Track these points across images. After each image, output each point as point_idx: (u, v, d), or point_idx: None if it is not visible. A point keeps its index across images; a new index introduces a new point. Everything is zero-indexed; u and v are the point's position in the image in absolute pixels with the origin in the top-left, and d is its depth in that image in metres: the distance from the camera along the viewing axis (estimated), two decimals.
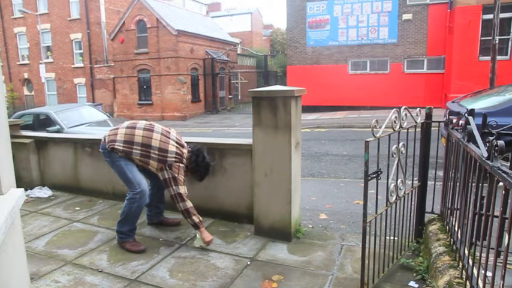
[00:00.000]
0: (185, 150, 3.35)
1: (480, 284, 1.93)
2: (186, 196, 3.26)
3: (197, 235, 3.35)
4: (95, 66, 22.90)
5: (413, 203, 3.01)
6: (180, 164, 3.26)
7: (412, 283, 2.62)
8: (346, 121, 13.69)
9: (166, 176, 3.21)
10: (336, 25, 17.22)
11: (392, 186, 2.54)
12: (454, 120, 3.10)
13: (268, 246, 3.33)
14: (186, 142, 3.51)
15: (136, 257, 3.17)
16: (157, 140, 3.23)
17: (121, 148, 3.21)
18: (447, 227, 2.87)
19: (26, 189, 4.93)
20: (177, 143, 3.32)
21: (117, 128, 3.34)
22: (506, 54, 13.88)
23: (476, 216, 2.02)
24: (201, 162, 3.39)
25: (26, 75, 25.29)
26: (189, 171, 3.42)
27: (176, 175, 3.21)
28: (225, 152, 3.83)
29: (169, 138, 3.30)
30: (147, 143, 3.21)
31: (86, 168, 4.92)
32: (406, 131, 2.65)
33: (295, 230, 3.50)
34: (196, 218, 3.29)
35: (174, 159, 3.22)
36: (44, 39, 23.21)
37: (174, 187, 3.20)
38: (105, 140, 3.32)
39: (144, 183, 3.29)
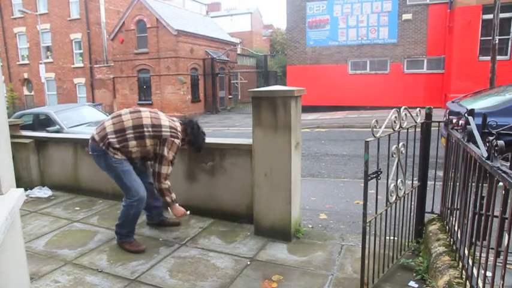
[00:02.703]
0: (178, 124, 3.29)
1: (480, 284, 1.93)
2: (166, 177, 3.19)
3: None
4: (95, 66, 22.91)
5: (413, 203, 3.01)
6: (175, 140, 3.17)
7: (412, 283, 2.62)
8: (346, 121, 13.69)
9: (158, 152, 3.13)
10: (335, 25, 17.22)
11: (392, 186, 2.54)
12: (454, 120, 3.10)
13: (268, 246, 3.33)
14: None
15: (136, 257, 3.17)
16: (147, 118, 3.14)
17: (115, 140, 3.06)
18: (447, 227, 2.87)
19: (26, 189, 4.93)
20: (171, 119, 3.28)
21: (102, 124, 3.21)
22: (506, 54, 13.88)
23: (476, 216, 2.02)
24: (197, 132, 3.34)
25: (25, 75, 25.29)
26: (187, 144, 3.37)
27: (166, 153, 3.11)
28: (225, 152, 3.83)
29: (158, 114, 3.25)
30: (138, 124, 3.11)
31: (86, 168, 4.91)
32: (406, 131, 2.65)
33: (295, 230, 3.50)
34: (168, 199, 3.27)
35: (169, 134, 3.14)
36: (44, 39, 23.22)
37: (157, 164, 3.14)
38: (95, 140, 3.15)
39: (143, 189, 3.23)
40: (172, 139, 3.14)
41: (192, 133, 3.32)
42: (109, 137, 3.08)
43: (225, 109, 23.66)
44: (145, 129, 3.10)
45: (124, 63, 21.30)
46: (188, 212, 3.49)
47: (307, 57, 17.99)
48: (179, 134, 3.23)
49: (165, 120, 3.20)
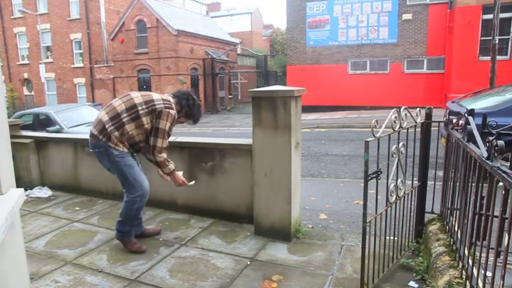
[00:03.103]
0: (170, 98, 3.21)
1: (480, 284, 1.93)
2: (161, 150, 3.10)
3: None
4: (95, 66, 22.91)
5: (413, 203, 3.01)
6: (170, 111, 3.07)
7: (412, 283, 2.62)
8: (346, 121, 13.69)
9: (154, 125, 3.05)
10: (335, 25, 17.22)
11: (392, 186, 2.54)
12: (454, 120, 3.10)
13: (268, 246, 3.33)
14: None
15: (136, 257, 3.17)
16: (138, 97, 3.09)
17: (112, 127, 2.99)
18: (447, 227, 2.87)
19: (26, 189, 4.93)
20: (159, 94, 3.21)
21: (97, 118, 3.15)
22: (506, 54, 13.88)
23: (476, 216, 2.02)
24: (193, 103, 3.26)
25: (25, 75, 25.30)
26: (183, 117, 3.28)
27: (162, 125, 3.03)
28: (225, 152, 3.83)
29: (149, 93, 3.19)
30: (130, 105, 3.04)
31: (86, 168, 4.92)
32: (406, 131, 2.65)
33: (295, 230, 3.50)
34: (166, 170, 3.19)
35: (163, 105, 3.05)
36: (44, 39, 23.23)
37: (153, 137, 3.05)
38: (94, 135, 3.06)
39: (146, 183, 3.19)
40: (168, 110, 3.05)
41: (187, 104, 3.22)
42: (107, 126, 3.01)
43: (225, 109, 23.67)
44: (139, 107, 3.03)
45: (124, 63, 21.31)
46: (193, 182, 3.43)
47: (307, 57, 17.99)
48: (173, 105, 3.14)
49: (156, 95, 3.15)
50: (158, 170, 3.32)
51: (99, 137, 3.03)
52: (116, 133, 3.01)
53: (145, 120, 3.05)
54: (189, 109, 3.25)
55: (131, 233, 3.33)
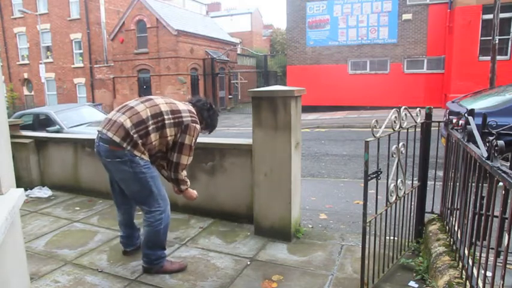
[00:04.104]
0: (192, 107, 2.90)
1: (480, 284, 1.93)
2: (185, 167, 2.84)
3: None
4: (95, 66, 22.91)
5: (413, 203, 3.01)
6: (196, 126, 2.78)
7: (412, 283, 2.62)
8: (346, 121, 13.69)
9: (178, 140, 2.73)
10: (335, 25, 17.22)
11: (392, 186, 2.54)
12: (454, 120, 3.10)
13: (268, 246, 3.33)
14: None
15: (136, 257, 3.16)
16: (163, 104, 2.73)
17: (137, 135, 2.58)
18: (447, 227, 2.87)
19: (26, 189, 4.93)
20: (183, 103, 2.90)
21: (112, 121, 2.65)
22: (506, 54, 13.88)
23: (476, 216, 2.02)
24: (213, 114, 3.01)
25: (25, 75, 25.30)
26: (203, 128, 2.99)
27: (188, 141, 2.73)
28: (225, 152, 3.83)
29: (170, 99, 2.88)
30: (156, 112, 2.66)
31: (86, 168, 4.92)
32: (406, 131, 2.65)
33: (295, 230, 3.50)
34: (183, 186, 2.91)
35: (190, 119, 2.75)
36: (44, 39, 23.22)
37: (176, 154, 2.74)
38: (115, 142, 2.56)
39: (165, 193, 2.87)
40: (194, 125, 2.76)
41: (208, 116, 2.97)
42: (131, 132, 2.57)
43: (225, 109, 23.66)
44: (165, 116, 2.67)
45: (124, 63, 21.31)
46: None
47: (307, 57, 17.99)
48: (197, 118, 2.85)
49: (181, 104, 2.82)
50: (173, 187, 2.99)
51: (122, 145, 2.56)
52: (140, 141, 2.61)
53: (169, 131, 2.70)
54: (210, 120, 3.00)
55: (165, 254, 2.93)
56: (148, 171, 2.67)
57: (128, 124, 2.59)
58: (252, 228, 3.63)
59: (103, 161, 2.74)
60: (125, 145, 2.57)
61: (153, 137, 2.65)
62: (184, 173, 2.90)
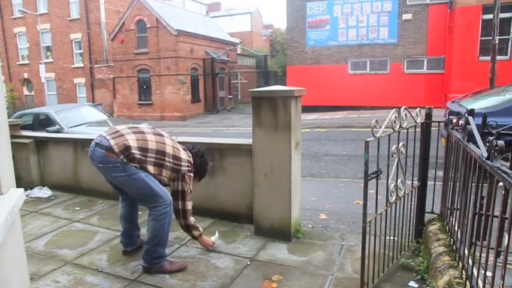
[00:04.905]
0: (189, 154, 3.07)
1: (480, 284, 1.93)
2: (191, 213, 3.03)
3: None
4: (95, 66, 22.91)
5: (413, 203, 3.01)
6: (191, 174, 2.99)
7: (412, 283, 2.62)
8: (346, 121, 13.69)
9: (177, 188, 2.91)
10: (335, 25, 17.23)
11: (392, 186, 2.54)
12: (454, 120, 3.10)
13: (268, 246, 3.33)
14: (179, 142, 3.20)
15: (136, 257, 3.16)
16: (170, 146, 2.87)
17: (138, 157, 2.70)
18: (447, 227, 2.87)
19: (26, 189, 4.93)
20: (183, 149, 3.05)
21: (118, 132, 2.77)
22: (506, 54, 13.88)
23: (476, 216, 2.02)
24: (203, 162, 3.18)
25: (25, 75, 25.29)
26: (194, 175, 3.13)
27: (186, 188, 2.93)
28: (225, 152, 3.83)
29: (177, 143, 3.03)
30: (161, 150, 2.80)
31: (86, 168, 4.91)
32: (406, 131, 2.65)
33: (295, 230, 3.50)
34: (196, 232, 3.11)
35: (187, 169, 2.94)
36: (44, 39, 23.22)
37: (181, 201, 2.92)
38: (113, 151, 2.64)
39: (166, 190, 2.94)
40: (189, 174, 2.97)
41: (200, 164, 3.13)
42: (133, 151, 2.67)
43: (225, 109, 23.67)
44: (166, 158, 2.82)
45: (124, 63, 21.30)
46: (216, 236, 3.40)
47: (307, 57, 17.99)
48: (192, 167, 3.04)
49: (183, 152, 2.99)
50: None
51: (119, 156, 2.65)
52: (137, 160, 2.71)
53: (165, 173, 2.85)
54: (200, 168, 3.15)
55: (166, 254, 3.00)
56: (142, 172, 2.74)
57: (134, 144, 2.70)
58: (252, 228, 3.63)
59: (96, 166, 2.82)
60: (121, 157, 2.66)
61: (150, 168, 2.78)
62: (193, 219, 3.06)
